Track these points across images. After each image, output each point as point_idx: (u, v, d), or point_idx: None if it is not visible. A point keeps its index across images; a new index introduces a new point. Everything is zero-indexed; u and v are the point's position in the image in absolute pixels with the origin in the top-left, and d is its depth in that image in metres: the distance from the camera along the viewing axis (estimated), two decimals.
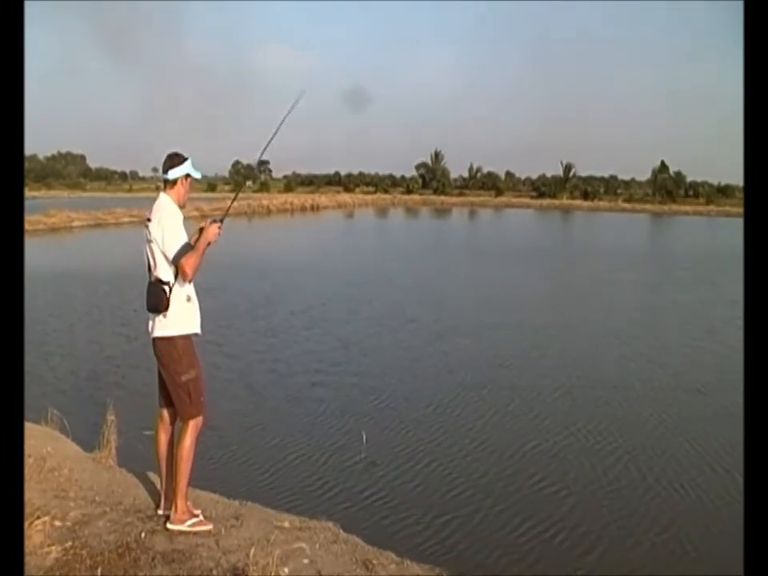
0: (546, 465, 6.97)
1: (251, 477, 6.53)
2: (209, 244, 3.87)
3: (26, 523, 3.66)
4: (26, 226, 33.22)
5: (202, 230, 3.90)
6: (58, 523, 3.87)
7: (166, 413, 4.05)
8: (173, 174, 3.91)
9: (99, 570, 3.34)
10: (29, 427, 5.58)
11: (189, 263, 3.71)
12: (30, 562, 3.39)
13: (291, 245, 31.99)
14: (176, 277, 3.80)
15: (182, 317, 3.84)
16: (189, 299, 3.88)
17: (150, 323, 3.88)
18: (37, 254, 25.72)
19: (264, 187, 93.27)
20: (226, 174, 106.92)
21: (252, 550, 3.54)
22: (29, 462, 4.74)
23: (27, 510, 3.86)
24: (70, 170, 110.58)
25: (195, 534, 3.85)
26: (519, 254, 28.55)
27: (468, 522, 5.75)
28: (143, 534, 3.79)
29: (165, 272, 3.79)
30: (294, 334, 12.55)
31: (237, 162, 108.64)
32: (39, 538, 3.61)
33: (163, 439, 4.05)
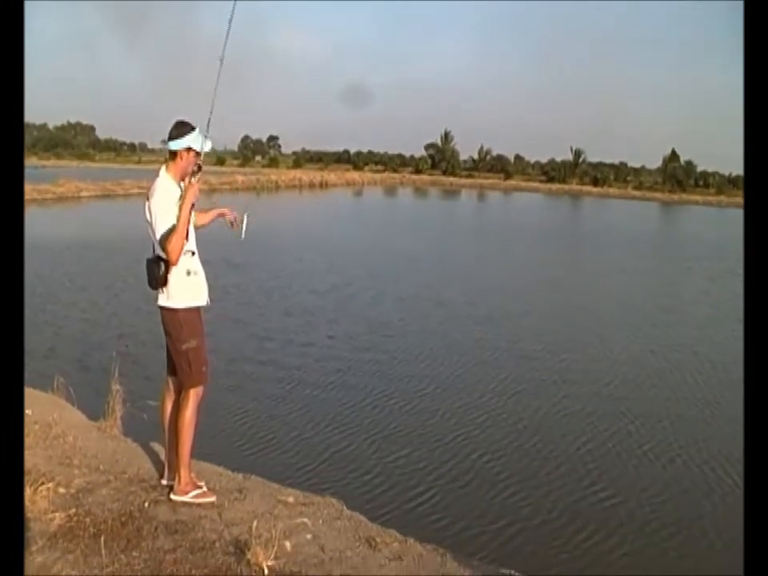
0: (588, 465, 6.79)
1: (256, 451, 6.55)
2: (193, 205, 3.77)
3: (31, 489, 3.67)
4: (35, 195, 33.20)
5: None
6: (62, 490, 3.88)
7: (172, 381, 4.04)
8: (173, 145, 3.80)
9: (102, 538, 3.34)
10: (35, 394, 5.60)
11: (169, 247, 3.64)
12: (35, 527, 3.40)
13: (304, 222, 31.68)
14: None
15: (183, 291, 3.81)
16: (189, 273, 3.83)
17: (157, 292, 3.87)
18: (54, 223, 25.74)
19: (273, 162, 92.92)
20: (235, 149, 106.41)
21: (255, 524, 3.53)
22: (35, 429, 4.76)
23: (33, 475, 3.88)
24: (79, 141, 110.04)
25: (198, 505, 3.86)
26: (539, 239, 28.33)
27: (476, 505, 5.77)
28: (146, 504, 3.80)
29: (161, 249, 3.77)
30: (322, 316, 12.43)
31: (246, 137, 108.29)
32: (44, 503, 3.62)
33: (168, 407, 4.05)
